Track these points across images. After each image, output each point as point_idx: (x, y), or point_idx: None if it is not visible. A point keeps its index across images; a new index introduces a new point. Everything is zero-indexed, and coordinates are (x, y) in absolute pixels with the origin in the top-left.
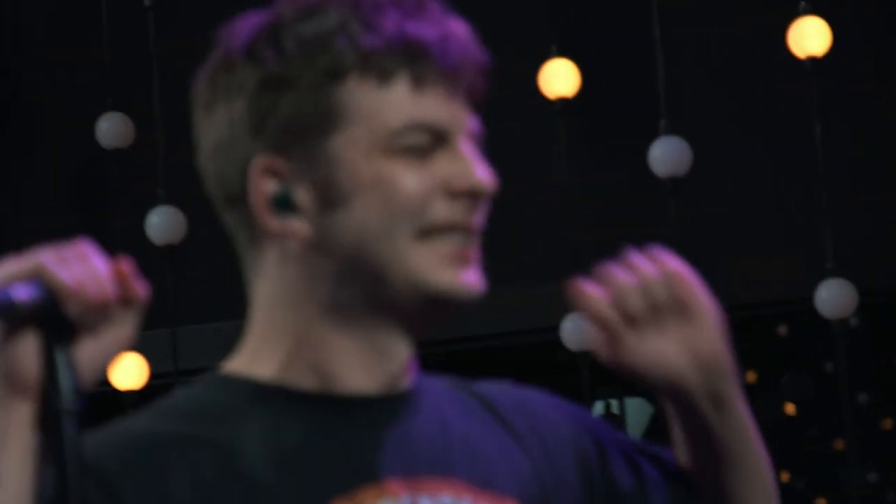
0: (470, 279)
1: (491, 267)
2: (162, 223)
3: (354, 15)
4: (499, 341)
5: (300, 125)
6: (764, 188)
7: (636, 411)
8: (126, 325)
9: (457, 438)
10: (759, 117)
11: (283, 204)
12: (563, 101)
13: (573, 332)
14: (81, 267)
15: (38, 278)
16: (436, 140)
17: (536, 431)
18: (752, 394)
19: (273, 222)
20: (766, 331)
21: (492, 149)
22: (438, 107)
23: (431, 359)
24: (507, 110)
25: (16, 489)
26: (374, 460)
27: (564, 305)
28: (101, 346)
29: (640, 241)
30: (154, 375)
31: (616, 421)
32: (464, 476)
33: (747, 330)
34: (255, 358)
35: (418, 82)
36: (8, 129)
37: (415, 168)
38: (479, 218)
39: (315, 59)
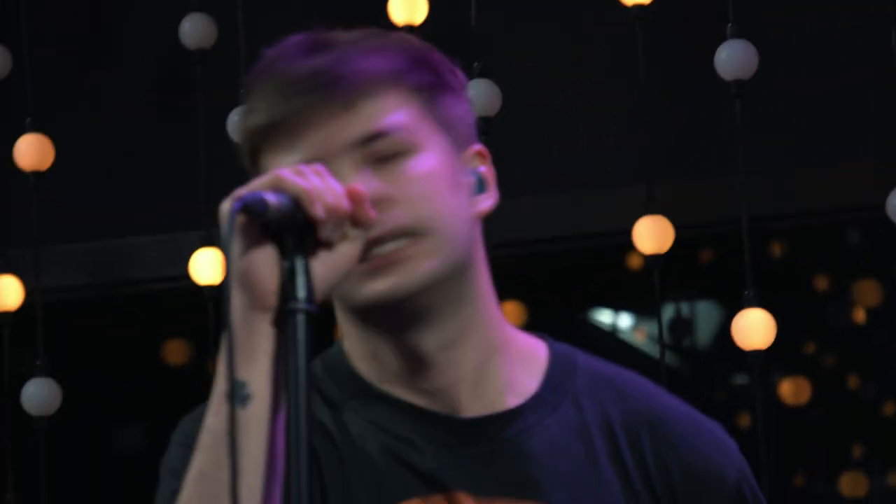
0: (385, 286)
1: (564, 170)
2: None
3: (248, 99)
4: (570, 244)
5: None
6: (832, 93)
7: (706, 315)
8: (355, 243)
9: (553, 468)
10: (830, 28)
11: None
12: (639, 7)
13: (645, 234)
14: (319, 180)
15: (280, 190)
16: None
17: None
18: (822, 300)
19: None
20: (835, 237)
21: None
22: (303, 150)
23: (502, 261)
24: (584, 18)
25: (266, 400)
26: (449, 475)
27: (636, 209)
28: (333, 260)
29: (708, 146)
30: None
31: (686, 325)
32: (552, 503)
33: (817, 237)
34: (358, 351)
35: (278, 137)
36: (92, 27)
37: None
38: (389, 221)
39: (240, 141)
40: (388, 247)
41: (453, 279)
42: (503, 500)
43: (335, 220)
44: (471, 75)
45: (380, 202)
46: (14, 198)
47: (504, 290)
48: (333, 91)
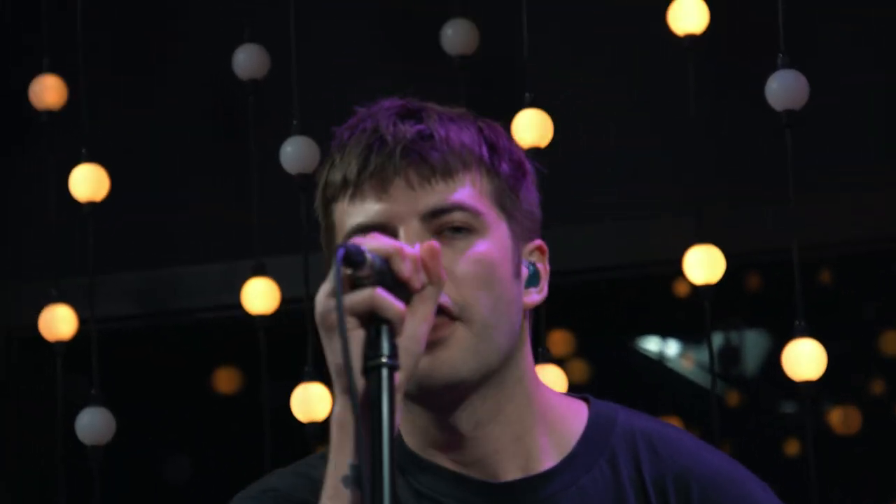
0: (422, 365)
1: (614, 199)
2: (296, 152)
3: (332, 153)
4: (621, 273)
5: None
6: (883, 119)
7: (755, 344)
8: (431, 302)
9: None
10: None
11: None
12: (691, 37)
13: (696, 263)
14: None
15: (372, 248)
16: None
17: None
18: (870, 328)
19: None
20: (884, 267)
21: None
22: (372, 209)
23: (556, 288)
24: (638, 46)
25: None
26: None
27: (687, 237)
28: (413, 320)
29: (758, 175)
30: (285, 300)
31: (735, 354)
32: None
33: (864, 264)
34: (405, 424)
35: (353, 192)
36: (146, 57)
37: None
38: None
39: (317, 196)
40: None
41: (491, 366)
42: None
43: (419, 279)
44: (522, 105)
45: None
46: (68, 228)
47: (553, 319)
48: (417, 159)
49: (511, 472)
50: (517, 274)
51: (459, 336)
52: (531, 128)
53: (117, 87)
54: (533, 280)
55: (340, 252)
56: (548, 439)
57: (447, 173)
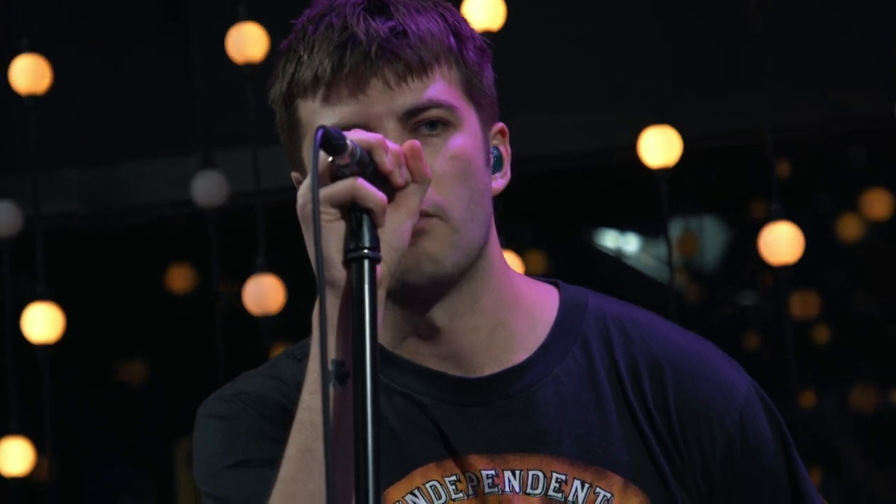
0: (406, 260)
1: (573, 88)
2: (242, 39)
3: (294, 47)
4: (579, 161)
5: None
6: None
7: (714, 230)
8: (416, 197)
9: (562, 417)
10: None
11: None
12: None
13: (652, 148)
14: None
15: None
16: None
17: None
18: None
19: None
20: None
21: None
22: (347, 109)
23: (513, 177)
24: None
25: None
26: (461, 436)
27: (643, 122)
28: (398, 216)
29: (722, 61)
30: (235, 194)
31: (694, 239)
32: (561, 453)
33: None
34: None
35: (326, 92)
36: None
37: None
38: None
39: (278, 88)
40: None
41: (470, 258)
42: (514, 456)
43: (402, 174)
44: None
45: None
46: (11, 123)
47: (508, 212)
48: (392, 58)
49: (486, 366)
50: (487, 162)
51: (440, 231)
52: (483, 9)
53: None
54: (497, 165)
55: (319, 133)
56: (522, 326)
57: (421, 70)
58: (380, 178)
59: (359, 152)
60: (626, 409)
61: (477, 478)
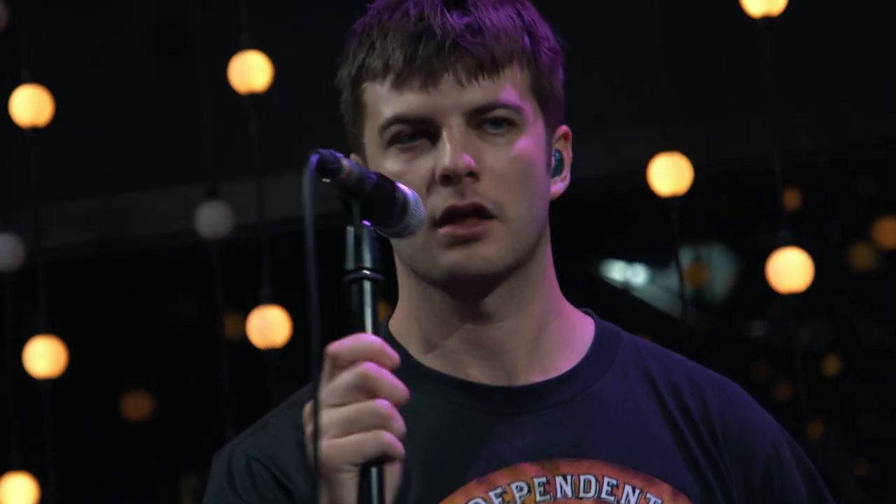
0: (455, 259)
1: (581, 112)
2: (245, 69)
3: (368, 32)
4: (589, 187)
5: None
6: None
7: (723, 258)
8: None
9: (607, 427)
10: None
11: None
12: None
13: (661, 175)
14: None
15: None
16: (423, 130)
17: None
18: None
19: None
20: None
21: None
22: (415, 100)
23: None
24: None
25: None
26: (508, 446)
27: (653, 148)
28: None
29: (728, 85)
30: (239, 226)
31: (703, 268)
32: (610, 459)
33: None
34: (407, 329)
35: (396, 80)
36: None
37: (404, 161)
38: (471, 197)
39: (347, 70)
40: (467, 225)
41: (523, 259)
42: (565, 461)
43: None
44: None
45: (477, 172)
46: (12, 155)
47: None
48: (466, 55)
49: (529, 373)
50: (548, 166)
51: (497, 233)
52: None
53: (60, 6)
54: (558, 168)
55: (314, 159)
56: (563, 339)
57: (493, 69)
58: (384, 204)
59: (356, 172)
60: (671, 422)
61: (528, 486)
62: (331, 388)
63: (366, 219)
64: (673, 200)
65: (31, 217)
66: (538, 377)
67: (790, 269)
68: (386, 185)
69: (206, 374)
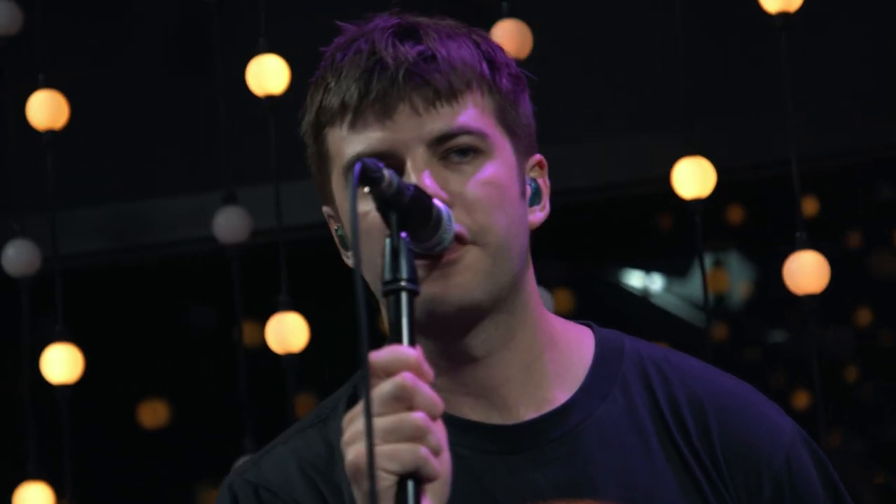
0: (433, 291)
1: (600, 117)
2: (262, 72)
3: (324, 75)
4: (608, 192)
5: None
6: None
7: (742, 264)
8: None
9: (606, 461)
10: None
11: (343, 242)
12: None
13: (684, 179)
14: None
15: None
16: (392, 165)
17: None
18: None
19: (343, 256)
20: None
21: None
22: (375, 136)
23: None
24: None
25: None
26: (503, 486)
27: (674, 154)
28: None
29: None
30: (257, 232)
31: (724, 275)
32: (609, 496)
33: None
34: None
35: (353, 119)
36: None
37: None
38: None
39: (307, 119)
40: (444, 255)
41: (503, 288)
42: (560, 503)
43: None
44: (499, 15)
45: (447, 201)
46: (29, 161)
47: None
48: (421, 83)
49: (523, 408)
50: (523, 193)
51: (473, 258)
52: (509, 39)
53: (76, 12)
54: (535, 198)
55: (357, 168)
56: (557, 367)
57: (451, 96)
58: (420, 216)
59: (396, 181)
60: (672, 450)
61: None
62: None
63: (402, 229)
64: (696, 204)
65: (47, 223)
66: (533, 413)
67: (806, 272)
68: (423, 198)
69: (224, 380)
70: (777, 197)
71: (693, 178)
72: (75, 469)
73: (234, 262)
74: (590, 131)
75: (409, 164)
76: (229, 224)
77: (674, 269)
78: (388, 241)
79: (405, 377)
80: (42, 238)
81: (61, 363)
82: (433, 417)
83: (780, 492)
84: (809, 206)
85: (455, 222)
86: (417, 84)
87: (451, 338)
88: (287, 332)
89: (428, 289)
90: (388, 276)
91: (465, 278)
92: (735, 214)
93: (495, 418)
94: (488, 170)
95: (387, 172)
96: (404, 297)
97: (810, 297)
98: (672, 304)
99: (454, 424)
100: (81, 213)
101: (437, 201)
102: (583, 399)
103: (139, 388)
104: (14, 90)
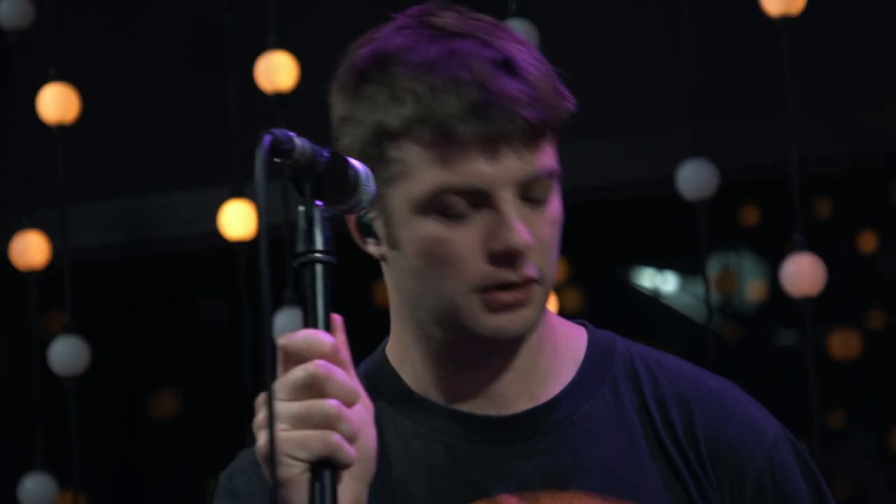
0: (500, 323)
1: (606, 116)
2: (272, 68)
3: (411, 78)
4: (614, 192)
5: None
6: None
7: (753, 265)
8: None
9: (592, 454)
10: None
11: (366, 230)
12: None
13: (690, 180)
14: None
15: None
16: (476, 200)
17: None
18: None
19: (360, 241)
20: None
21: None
22: (474, 172)
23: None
24: None
25: None
26: (490, 476)
27: (680, 153)
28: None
29: (755, 82)
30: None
31: (732, 276)
32: (593, 489)
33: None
34: (402, 357)
35: (453, 149)
36: None
37: (445, 226)
38: (525, 270)
39: (373, 116)
40: (514, 293)
41: None
42: (545, 493)
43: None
44: (507, 14)
45: (528, 249)
46: (40, 155)
47: None
48: (525, 125)
49: (517, 403)
50: None
51: (537, 295)
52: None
53: (88, 7)
54: None
55: (267, 140)
56: (552, 363)
57: (543, 137)
58: (336, 181)
59: (308, 151)
60: (657, 447)
61: None
62: (281, 382)
63: (317, 198)
64: (701, 205)
65: (57, 217)
66: (525, 405)
67: (802, 275)
68: (338, 163)
69: (232, 374)
70: (789, 198)
71: (696, 179)
72: (83, 461)
73: (241, 257)
74: (596, 130)
75: (503, 207)
76: (237, 218)
77: (687, 269)
78: (300, 210)
79: (317, 364)
80: (52, 232)
81: (70, 356)
82: (348, 404)
83: (763, 491)
84: (822, 208)
85: (529, 261)
86: (521, 125)
87: (480, 356)
88: (293, 327)
89: (494, 321)
90: (301, 247)
91: (529, 313)
92: (749, 215)
93: (490, 410)
94: (555, 206)
95: (298, 141)
96: (319, 269)
97: (806, 300)
98: (684, 303)
99: (445, 414)
100: (91, 207)
101: (353, 162)
102: (571, 394)
103: (148, 380)
104: (25, 84)
